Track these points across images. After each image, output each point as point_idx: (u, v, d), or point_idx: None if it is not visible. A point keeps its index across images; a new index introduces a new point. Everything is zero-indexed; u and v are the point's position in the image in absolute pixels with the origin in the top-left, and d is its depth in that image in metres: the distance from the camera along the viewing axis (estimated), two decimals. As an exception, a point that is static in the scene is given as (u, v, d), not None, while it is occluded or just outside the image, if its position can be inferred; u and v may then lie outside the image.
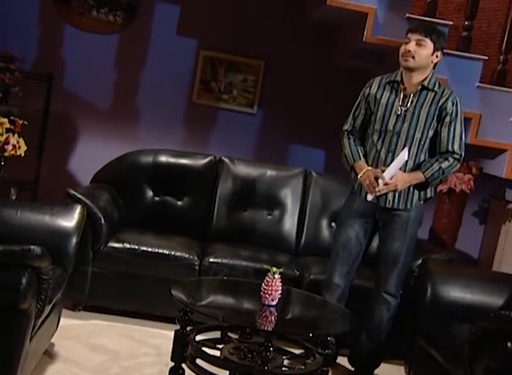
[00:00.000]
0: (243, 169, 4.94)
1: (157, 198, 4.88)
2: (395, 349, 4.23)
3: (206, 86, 5.75)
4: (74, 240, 3.66)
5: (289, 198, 4.93)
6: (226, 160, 4.98)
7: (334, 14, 5.05)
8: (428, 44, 3.75)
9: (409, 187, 3.79)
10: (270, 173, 4.96)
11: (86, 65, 5.65)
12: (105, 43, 5.66)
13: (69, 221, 3.70)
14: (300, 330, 3.35)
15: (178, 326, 3.39)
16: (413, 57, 3.73)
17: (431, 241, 5.34)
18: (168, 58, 5.70)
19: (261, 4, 5.70)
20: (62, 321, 3.88)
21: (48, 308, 3.24)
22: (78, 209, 3.79)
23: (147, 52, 5.73)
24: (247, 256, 4.51)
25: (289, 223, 4.90)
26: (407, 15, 4.88)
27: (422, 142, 3.77)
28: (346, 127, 3.98)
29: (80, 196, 4.27)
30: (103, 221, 4.29)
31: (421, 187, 3.82)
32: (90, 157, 5.66)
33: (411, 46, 3.73)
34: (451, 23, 4.98)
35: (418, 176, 3.76)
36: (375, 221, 3.91)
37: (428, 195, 3.89)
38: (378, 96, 3.86)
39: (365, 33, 4.85)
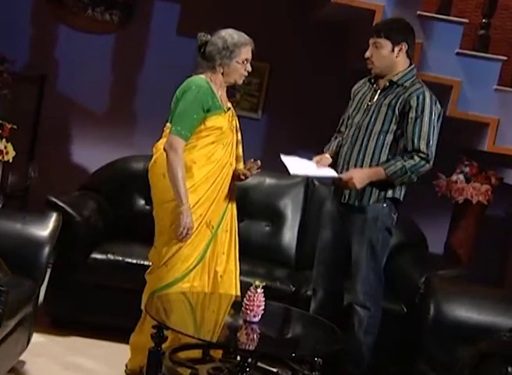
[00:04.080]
0: (240, 177, 4.84)
1: (148, 207, 4.76)
2: (395, 373, 4.09)
3: (207, 89, 5.66)
4: (47, 250, 3.62)
5: (290, 208, 4.85)
6: (222, 167, 4.89)
7: (340, 12, 4.97)
8: (383, 43, 3.76)
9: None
10: (269, 181, 4.88)
11: (80, 66, 5.63)
12: (101, 43, 5.65)
13: (43, 230, 3.66)
14: (282, 350, 3.22)
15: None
16: (372, 62, 3.80)
17: (446, 256, 5.21)
18: (168, 60, 5.63)
19: (266, 2, 5.62)
20: (37, 337, 3.84)
21: (10, 323, 3.18)
22: (54, 217, 3.75)
23: (145, 54, 5.70)
24: (242, 271, 4.32)
25: (289, 236, 4.81)
26: (418, 12, 4.79)
27: (382, 137, 3.73)
28: (337, 128, 4.08)
29: (61, 204, 4.22)
30: (85, 230, 4.23)
31: (383, 186, 3.73)
32: (84, 163, 5.65)
33: (368, 52, 3.81)
34: (466, 20, 4.87)
35: (378, 172, 3.69)
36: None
37: (389, 195, 3.75)
38: (355, 93, 3.98)
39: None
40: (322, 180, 3.93)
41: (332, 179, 3.84)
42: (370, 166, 3.73)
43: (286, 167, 3.73)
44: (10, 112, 5.27)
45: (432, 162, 3.70)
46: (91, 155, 5.59)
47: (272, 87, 5.72)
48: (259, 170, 3.80)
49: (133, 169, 4.85)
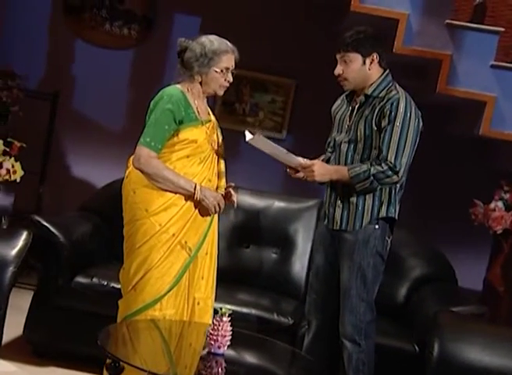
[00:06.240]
0: (246, 200, 4.64)
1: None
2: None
3: (229, 107, 5.56)
4: (10, 270, 3.46)
5: (300, 234, 4.61)
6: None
7: (363, 23, 4.74)
8: (353, 57, 3.57)
9: (356, 205, 3.53)
10: (278, 204, 4.67)
11: (96, 83, 5.63)
12: (119, 59, 5.63)
13: (9, 249, 3.51)
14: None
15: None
16: (345, 79, 3.59)
17: (484, 293, 4.86)
18: (188, 77, 5.53)
19: (292, 14, 5.46)
20: (8, 366, 3.75)
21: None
22: (23, 236, 3.60)
23: (165, 69, 5.63)
24: (246, 301, 4.23)
25: (299, 264, 4.56)
26: (447, 21, 4.54)
27: (365, 156, 3.53)
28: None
29: (45, 223, 4.11)
30: (71, 253, 4.10)
31: (374, 204, 3.53)
32: (98, 184, 5.54)
33: (338, 69, 3.61)
34: (501, 29, 4.56)
35: (341, 172, 3.53)
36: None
37: (383, 214, 3.52)
38: (335, 113, 3.79)
39: (395, 43, 4.54)
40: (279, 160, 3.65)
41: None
42: (355, 189, 3.52)
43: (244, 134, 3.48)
44: (21, 130, 5.25)
45: (400, 175, 3.45)
46: (106, 175, 5.45)
47: (297, 106, 5.54)
48: (235, 207, 3.68)
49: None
